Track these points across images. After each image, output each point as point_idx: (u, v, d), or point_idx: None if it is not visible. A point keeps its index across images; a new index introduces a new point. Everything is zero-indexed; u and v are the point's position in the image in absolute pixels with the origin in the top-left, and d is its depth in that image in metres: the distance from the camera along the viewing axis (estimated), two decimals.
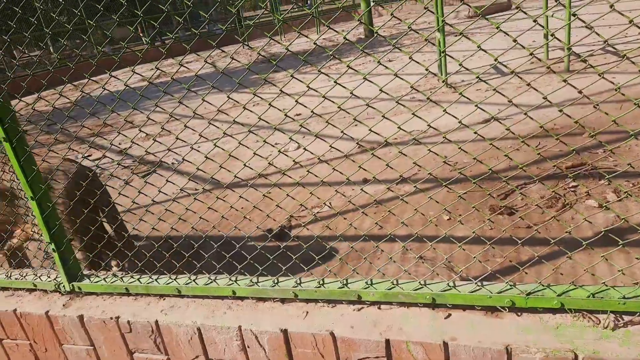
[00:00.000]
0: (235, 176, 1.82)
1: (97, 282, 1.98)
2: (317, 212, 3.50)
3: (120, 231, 2.64)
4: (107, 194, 2.58)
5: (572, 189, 3.03)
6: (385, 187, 3.09)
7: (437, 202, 1.73)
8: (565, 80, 1.08)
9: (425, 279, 1.55)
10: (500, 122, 1.33)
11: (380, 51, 9.95)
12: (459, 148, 1.35)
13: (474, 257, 1.46)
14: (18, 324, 2.05)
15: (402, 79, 1.39)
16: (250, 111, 1.56)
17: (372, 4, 12.79)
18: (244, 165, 1.83)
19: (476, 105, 1.33)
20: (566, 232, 1.31)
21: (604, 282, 1.35)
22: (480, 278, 1.48)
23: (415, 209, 1.57)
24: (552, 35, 1.10)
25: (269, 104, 1.59)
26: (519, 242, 1.43)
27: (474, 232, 1.41)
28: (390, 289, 1.56)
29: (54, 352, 2.04)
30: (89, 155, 6.38)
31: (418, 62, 1.33)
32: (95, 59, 1.70)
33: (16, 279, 2.14)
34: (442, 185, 1.50)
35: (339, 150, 1.68)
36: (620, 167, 3.19)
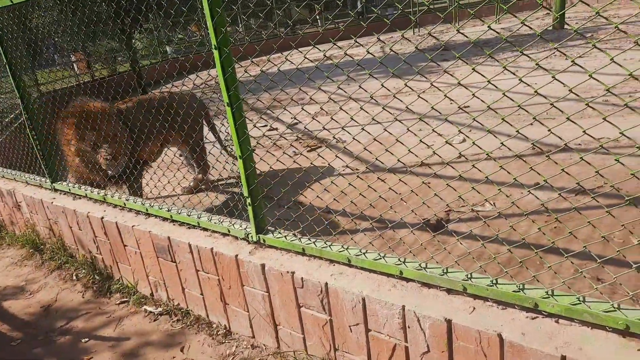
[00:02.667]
0: (398, 160, 1.86)
1: (279, 237, 2.25)
2: (479, 210, 3.38)
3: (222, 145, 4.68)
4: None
5: None
6: (557, 194, 2.84)
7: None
8: None
9: (619, 302, 1.41)
10: None
11: (570, 45, 8.92)
12: None
13: None
14: (212, 261, 2.44)
15: (595, 79, 1.26)
16: (424, 99, 1.57)
17: None
18: (409, 151, 1.85)
19: None
20: None
21: None
22: None
23: (624, 226, 1.43)
24: None
25: (445, 95, 1.58)
26: None
27: None
28: (574, 304, 1.46)
29: (236, 290, 2.39)
30: (264, 126, 7.10)
31: (616, 62, 1.19)
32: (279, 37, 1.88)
33: (215, 223, 2.54)
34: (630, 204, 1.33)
35: (509, 149, 1.61)
36: None
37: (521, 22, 1.29)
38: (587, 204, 3.15)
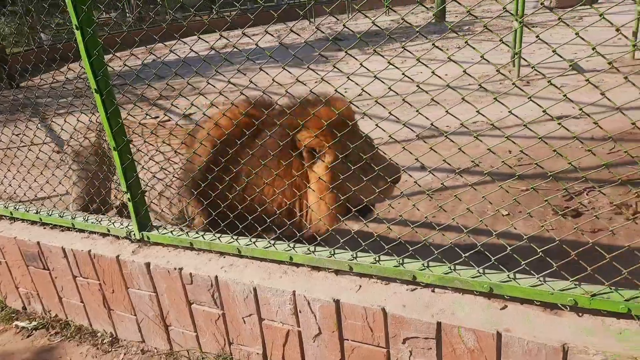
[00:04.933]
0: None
1: (164, 233, 2.12)
2: None
3: None
4: None
5: None
6: (439, 176, 3.03)
7: (507, 192, 1.69)
8: None
9: (484, 267, 1.54)
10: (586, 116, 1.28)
11: (451, 37, 9.63)
12: (544, 140, 1.32)
13: (539, 252, 1.43)
14: (91, 264, 2.23)
15: (454, 61, 1.36)
16: (303, 84, 1.58)
17: None
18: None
19: (529, 98, 1.29)
20: None
21: None
22: (542, 274, 1.46)
23: (485, 199, 1.55)
24: None
25: (321, 79, 1.60)
26: (591, 242, 1.39)
27: (542, 226, 1.38)
28: (447, 273, 1.56)
29: (120, 294, 2.22)
30: (156, 117, 6.70)
31: (474, 48, 1.29)
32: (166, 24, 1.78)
33: (92, 222, 2.32)
34: (503, 180, 1.47)
35: (391, 136, 1.68)
36: None
37: (386, 7, 1.32)
38: (473, 181, 3.43)
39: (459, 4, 1.50)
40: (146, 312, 2.18)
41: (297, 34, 1.58)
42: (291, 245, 1.88)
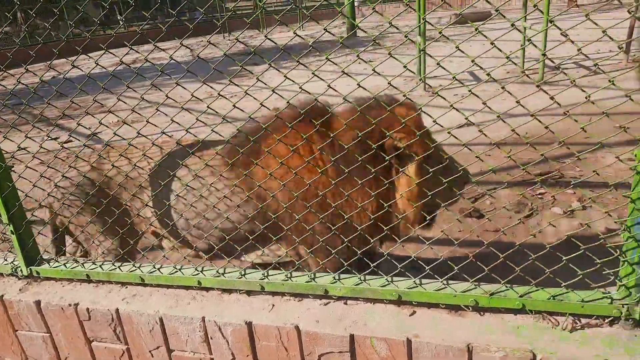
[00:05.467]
0: (206, 165, 1.78)
1: (56, 267, 1.91)
2: None
3: None
4: None
5: (540, 196, 3.12)
6: None
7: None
8: (538, 86, 1.10)
9: (392, 275, 1.56)
10: (476, 125, 1.35)
11: (361, 51, 9.99)
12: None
13: (441, 256, 1.47)
14: None
15: (348, 74, 1.39)
16: (227, 99, 1.53)
17: (356, 3, 12.85)
18: (216, 152, 1.80)
19: (451, 106, 1.35)
20: (531, 235, 1.34)
21: (564, 285, 1.39)
22: (446, 277, 1.50)
23: (387, 205, 1.58)
24: (528, 40, 1.12)
25: (245, 92, 1.57)
26: (485, 243, 1.46)
27: (442, 231, 1.42)
28: (357, 284, 1.56)
29: (7, 338, 1.96)
30: (56, 138, 6.17)
31: (366, 62, 1.34)
32: (66, 39, 1.64)
33: None
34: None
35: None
36: (585, 177, 3.29)
37: (289, 29, 1.30)
38: None
39: (359, 24, 1.52)
40: (39, 356, 1.95)
41: (189, 48, 1.52)
42: (199, 269, 1.78)
